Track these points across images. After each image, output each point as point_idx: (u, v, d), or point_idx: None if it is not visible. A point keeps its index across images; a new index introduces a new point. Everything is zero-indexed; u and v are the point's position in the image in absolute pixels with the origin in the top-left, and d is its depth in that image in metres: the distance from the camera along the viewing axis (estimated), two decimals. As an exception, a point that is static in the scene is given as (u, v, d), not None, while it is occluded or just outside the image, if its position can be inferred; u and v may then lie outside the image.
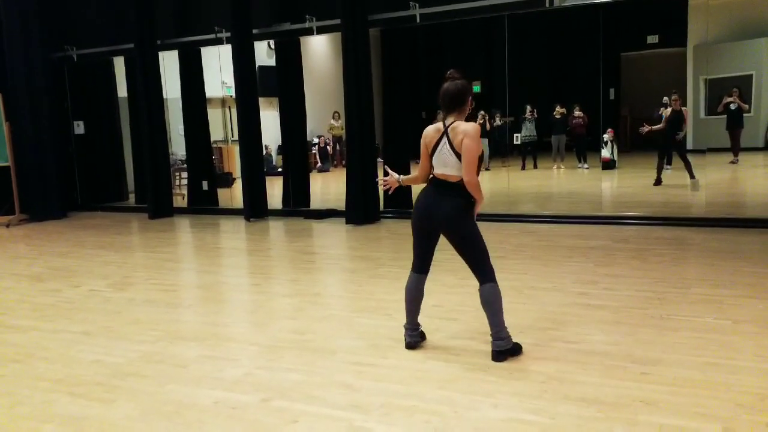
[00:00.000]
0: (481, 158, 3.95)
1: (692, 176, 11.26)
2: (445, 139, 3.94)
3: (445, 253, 7.38)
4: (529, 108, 14.95)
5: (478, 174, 3.95)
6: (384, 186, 4.43)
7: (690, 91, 13.92)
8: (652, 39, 15.98)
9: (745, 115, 13.61)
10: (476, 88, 17.78)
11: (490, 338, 4.02)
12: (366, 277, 6.40)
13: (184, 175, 12.63)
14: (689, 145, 11.85)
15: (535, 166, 15.19)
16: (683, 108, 11.70)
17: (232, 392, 3.73)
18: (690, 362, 3.83)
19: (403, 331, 4.38)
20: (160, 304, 5.78)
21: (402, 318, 4.93)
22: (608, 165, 14.92)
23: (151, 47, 11.21)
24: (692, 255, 6.74)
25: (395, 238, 8.62)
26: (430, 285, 5.85)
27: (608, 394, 3.46)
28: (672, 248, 7.02)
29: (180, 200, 12.39)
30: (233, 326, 5.13)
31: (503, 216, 9.28)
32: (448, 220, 3.97)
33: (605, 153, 14.88)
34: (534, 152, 15.15)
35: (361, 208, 9.54)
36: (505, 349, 3.97)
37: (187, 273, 7.35)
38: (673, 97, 12.11)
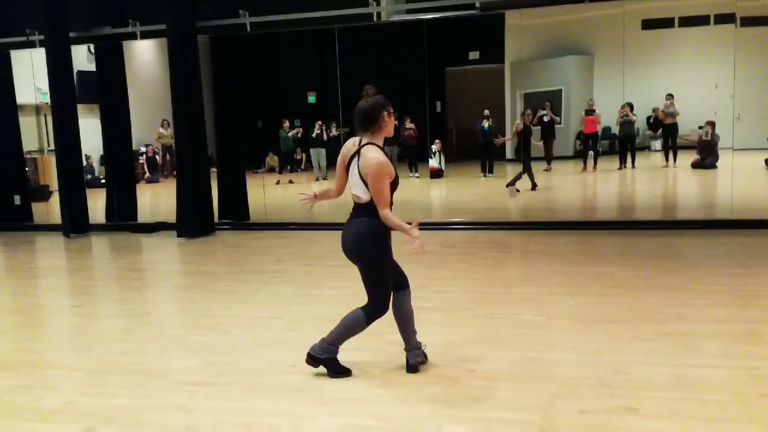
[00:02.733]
0: (395, 184, 3.69)
1: (532, 185, 12.16)
2: (356, 160, 3.68)
3: (282, 264, 7.36)
4: None
5: (391, 205, 3.67)
6: (305, 203, 3.98)
7: (508, 105, 14.96)
8: (474, 55, 16.96)
9: (556, 126, 14.90)
10: (311, 98, 17.90)
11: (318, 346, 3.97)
12: (200, 293, 6.19)
13: (-7, 188, 11.48)
14: (508, 155, 12.72)
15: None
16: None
17: (51, 423, 3.46)
18: (512, 357, 4.11)
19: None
20: (-36, 332, 5.22)
21: (240, 333, 4.84)
22: (436, 174, 15.66)
23: (-50, 48, 10.15)
24: (513, 257, 7.23)
25: (231, 250, 8.43)
26: (267, 297, 5.82)
27: (439, 392, 3.62)
28: (495, 251, 7.50)
29: (-12, 216, 11.26)
30: (52, 352, 4.76)
31: (333, 225, 9.38)
32: (351, 242, 3.74)
33: (433, 163, 15.60)
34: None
35: (194, 220, 9.22)
36: (325, 357, 3.92)
37: (-3, 296, 6.70)
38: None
